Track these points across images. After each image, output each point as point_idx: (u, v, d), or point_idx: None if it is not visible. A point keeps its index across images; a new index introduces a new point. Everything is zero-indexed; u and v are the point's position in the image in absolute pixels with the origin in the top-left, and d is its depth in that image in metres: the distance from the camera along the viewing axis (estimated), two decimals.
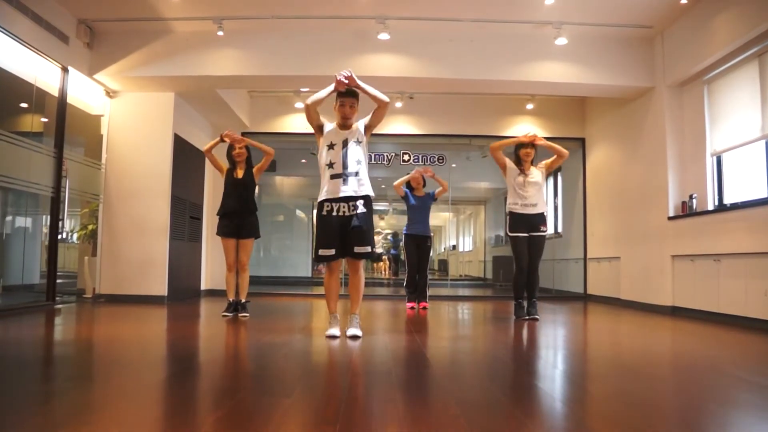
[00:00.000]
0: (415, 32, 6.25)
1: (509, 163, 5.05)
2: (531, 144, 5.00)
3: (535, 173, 5.01)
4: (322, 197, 3.68)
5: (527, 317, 4.93)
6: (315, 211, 3.78)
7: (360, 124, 3.78)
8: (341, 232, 3.64)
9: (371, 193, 3.70)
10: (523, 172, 4.99)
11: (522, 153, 5.02)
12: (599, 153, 7.97)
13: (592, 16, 5.91)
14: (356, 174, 3.64)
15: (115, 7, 5.78)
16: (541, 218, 4.94)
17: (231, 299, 4.99)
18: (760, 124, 4.99)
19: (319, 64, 6.26)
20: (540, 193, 5.00)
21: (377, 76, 6.32)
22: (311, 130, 3.84)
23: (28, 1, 5.03)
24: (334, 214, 3.64)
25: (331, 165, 3.65)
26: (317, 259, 3.72)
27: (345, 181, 3.61)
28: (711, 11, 5.34)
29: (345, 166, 3.62)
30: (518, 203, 4.96)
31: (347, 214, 3.62)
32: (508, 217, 5.05)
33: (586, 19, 5.94)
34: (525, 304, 5.02)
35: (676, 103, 6.18)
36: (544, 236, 4.98)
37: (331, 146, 3.68)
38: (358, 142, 3.71)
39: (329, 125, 3.78)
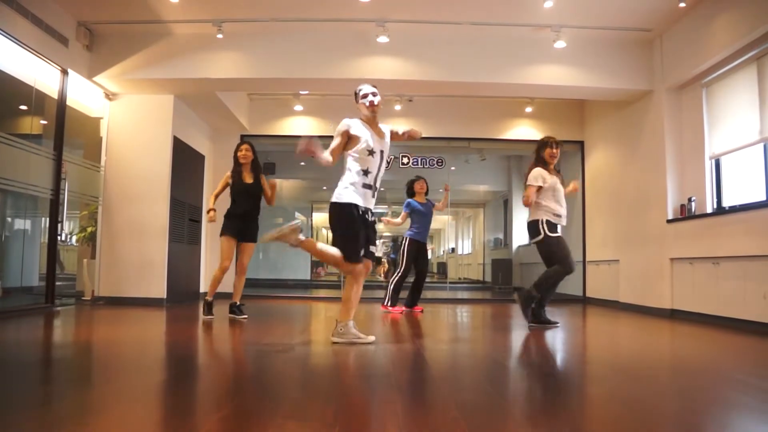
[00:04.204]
0: (414, 35, 6.26)
1: (542, 178, 4.48)
2: (556, 143, 4.59)
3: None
4: (354, 201, 3.48)
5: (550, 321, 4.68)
6: (342, 210, 3.56)
7: (388, 132, 3.74)
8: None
9: None
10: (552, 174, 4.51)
11: (547, 154, 4.52)
12: (598, 156, 7.98)
13: (590, 19, 5.92)
14: (379, 190, 3.68)
15: (114, 10, 5.79)
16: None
17: (210, 299, 4.97)
18: (758, 127, 5.01)
19: (318, 67, 6.27)
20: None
21: (376, 79, 6.32)
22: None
23: (28, 3, 5.04)
24: (362, 215, 3.58)
25: (366, 173, 3.53)
26: (361, 256, 3.52)
27: (373, 195, 3.61)
28: (709, 14, 5.36)
29: (375, 183, 3.61)
30: (561, 215, 4.49)
31: (368, 219, 3.65)
32: (544, 224, 4.48)
33: (584, 22, 5.96)
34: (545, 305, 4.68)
35: (674, 106, 6.19)
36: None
37: (371, 153, 3.52)
38: (387, 159, 3.74)
39: (357, 126, 3.56)
